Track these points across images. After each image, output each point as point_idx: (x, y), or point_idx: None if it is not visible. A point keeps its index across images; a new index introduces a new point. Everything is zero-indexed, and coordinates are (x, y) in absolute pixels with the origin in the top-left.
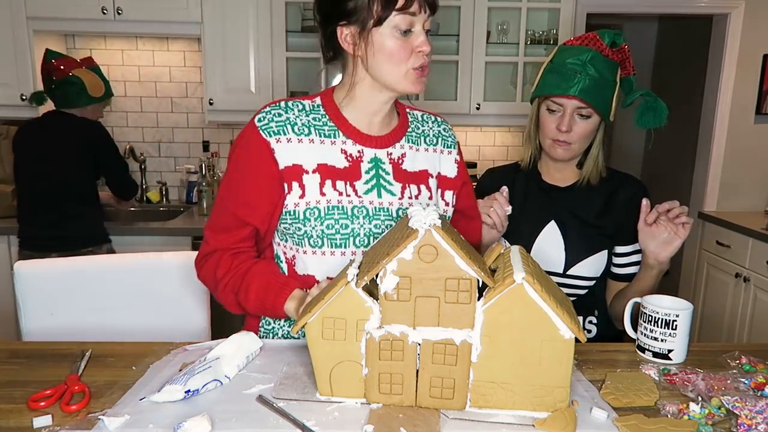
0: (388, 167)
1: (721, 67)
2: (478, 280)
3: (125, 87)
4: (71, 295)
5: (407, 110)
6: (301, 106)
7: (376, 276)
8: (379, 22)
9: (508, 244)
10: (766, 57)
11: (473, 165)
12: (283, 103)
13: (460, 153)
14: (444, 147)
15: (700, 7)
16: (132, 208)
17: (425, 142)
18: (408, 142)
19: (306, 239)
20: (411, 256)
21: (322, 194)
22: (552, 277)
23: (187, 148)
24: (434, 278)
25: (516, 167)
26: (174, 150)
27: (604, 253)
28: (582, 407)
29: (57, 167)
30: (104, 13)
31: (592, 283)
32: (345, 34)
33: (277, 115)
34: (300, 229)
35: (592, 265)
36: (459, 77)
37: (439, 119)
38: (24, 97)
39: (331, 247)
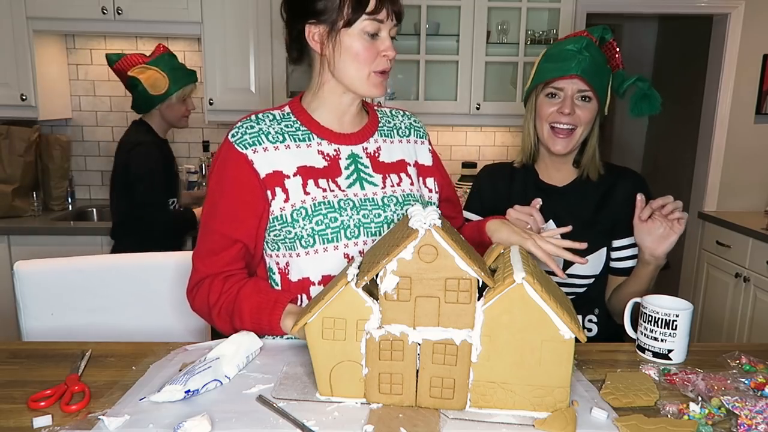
0: (366, 161)
1: (721, 67)
2: (478, 280)
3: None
4: (71, 295)
5: (375, 108)
6: (271, 117)
7: (376, 276)
8: (348, 23)
9: None
10: (766, 57)
11: (473, 165)
12: (253, 116)
13: (431, 144)
14: (417, 137)
15: (700, 7)
16: None
17: (398, 134)
18: (381, 136)
19: (297, 241)
20: (411, 256)
21: (307, 193)
22: (551, 277)
23: (187, 148)
24: (434, 278)
25: (509, 166)
26: (174, 150)
27: (603, 251)
28: (582, 407)
29: (111, 185)
30: (104, 13)
31: (591, 281)
32: (313, 33)
33: (249, 128)
34: (290, 232)
35: (591, 264)
36: (459, 77)
37: (408, 113)
38: (24, 97)
39: (323, 243)
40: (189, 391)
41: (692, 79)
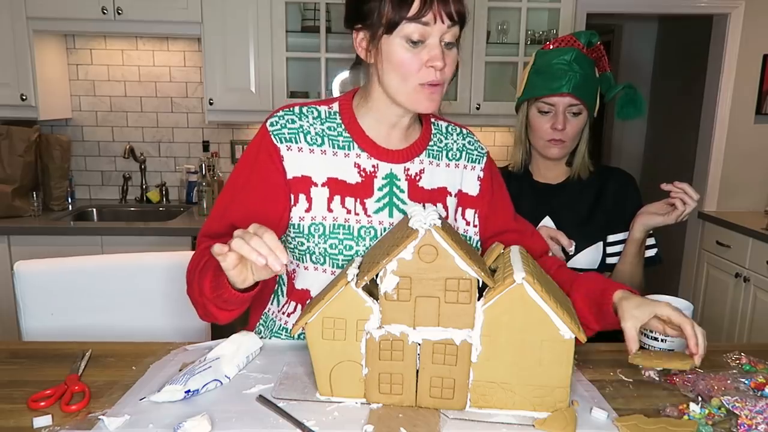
0: (404, 184)
1: (721, 67)
2: (478, 280)
3: (125, 87)
4: (71, 295)
5: (431, 120)
6: (316, 113)
7: (376, 276)
8: (389, 29)
9: None
10: (766, 57)
11: None
12: (297, 109)
13: (489, 166)
14: (468, 162)
15: (700, 7)
16: (132, 208)
17: (447, 156)
18: (429, 156)
19: (308, 255)
20: (411, 256)
21: (330, 210)
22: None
23: (187, 148)
24: (434, 278)
25: (505, 171)
26: (174, 150)
27: (599, 245)
28: (582, 407)
29: None
30: (104, 13)
31: None
32: (360, 39)
33: (290, 121)
34: (303, 244)
35: (588, 257)
36: (459, 77)
37: (464, 131)
38: (24, 97)
39: (333, 267)
40: (189, 391)
41: (692, 79)
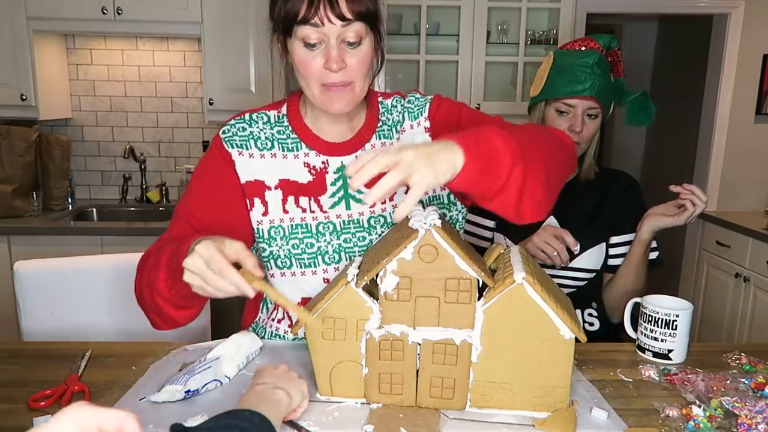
0: None
1: (721, 67)
2: (478, 280)
3: (125, 87)
4: (71, 295)
5: (379, 99)
6: (266, 118)
7: (376, 276)
8: (286, 32)
9: (509, 242)
10: (766, 57)
11: None
12: (247, 116)
13: (434, 111)
14: (411, 120)
15: (700, 7)
16: (132, 208)
17: (395, 130)
18: (379, 138)
19: (272, 260)
20: (411, 256)
21: (285, 212)
22: (554, 270)
23: (187, 148)
24: (434, 278)
25: None
26: (174, 150)
27: (602, 245)
28: (582, 407)
29: None
30: (104, 13)
31: (593, 275)
32: (277, 42)
33: (241, 129)
34: (265, 249)
35: (592, 257)
36: (459, 77)
37: (407, 95)
38: (24, 97)
39: (301, 267)
40: (189, 391)
41: (692, 79)
